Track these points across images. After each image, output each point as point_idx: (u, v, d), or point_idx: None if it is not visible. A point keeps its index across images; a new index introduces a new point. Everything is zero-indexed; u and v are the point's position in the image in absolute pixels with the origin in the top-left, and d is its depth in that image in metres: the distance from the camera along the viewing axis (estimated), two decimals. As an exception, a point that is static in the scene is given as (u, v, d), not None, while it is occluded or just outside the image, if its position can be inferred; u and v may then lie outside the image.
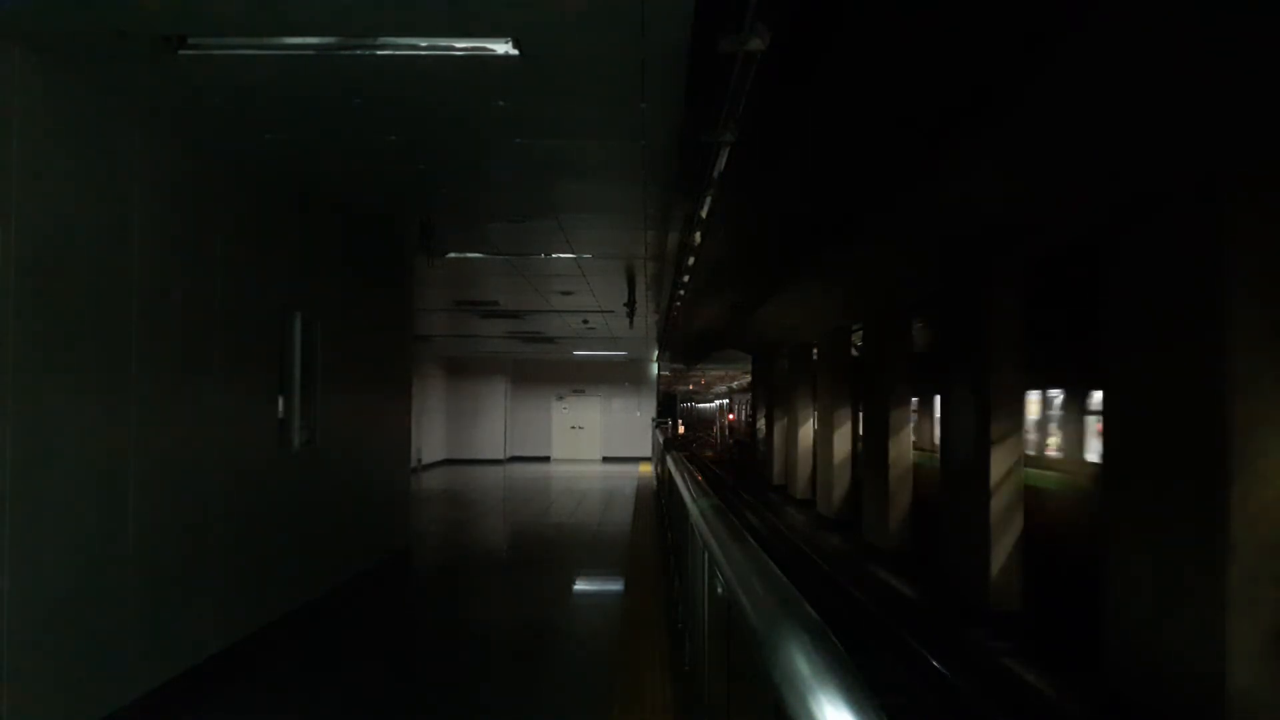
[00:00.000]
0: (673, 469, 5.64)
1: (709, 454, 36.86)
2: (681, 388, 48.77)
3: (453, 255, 8.03)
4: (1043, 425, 10.22)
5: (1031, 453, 9.93)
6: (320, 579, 6.42)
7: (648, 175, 5.37)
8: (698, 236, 7.38)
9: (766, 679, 1.09)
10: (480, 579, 7.80)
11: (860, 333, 14.79)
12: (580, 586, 7.25)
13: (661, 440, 11.98)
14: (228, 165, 4.95)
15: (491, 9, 3.09)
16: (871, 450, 12.90)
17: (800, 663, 1.01)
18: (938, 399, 11.04)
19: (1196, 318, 5.18)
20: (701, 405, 51.51)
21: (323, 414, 6.34)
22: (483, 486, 16.19)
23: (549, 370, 22.19)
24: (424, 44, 3.34)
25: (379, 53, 3.40)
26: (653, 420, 21.73)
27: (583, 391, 22.41)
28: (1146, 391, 5.69)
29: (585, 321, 13.78)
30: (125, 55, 3.42)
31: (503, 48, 3.34)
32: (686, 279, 10.03)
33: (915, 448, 12.52)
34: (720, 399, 42.67)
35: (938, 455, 10.45)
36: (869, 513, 12.98)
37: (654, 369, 22.86)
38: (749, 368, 26.17)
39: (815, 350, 17.15)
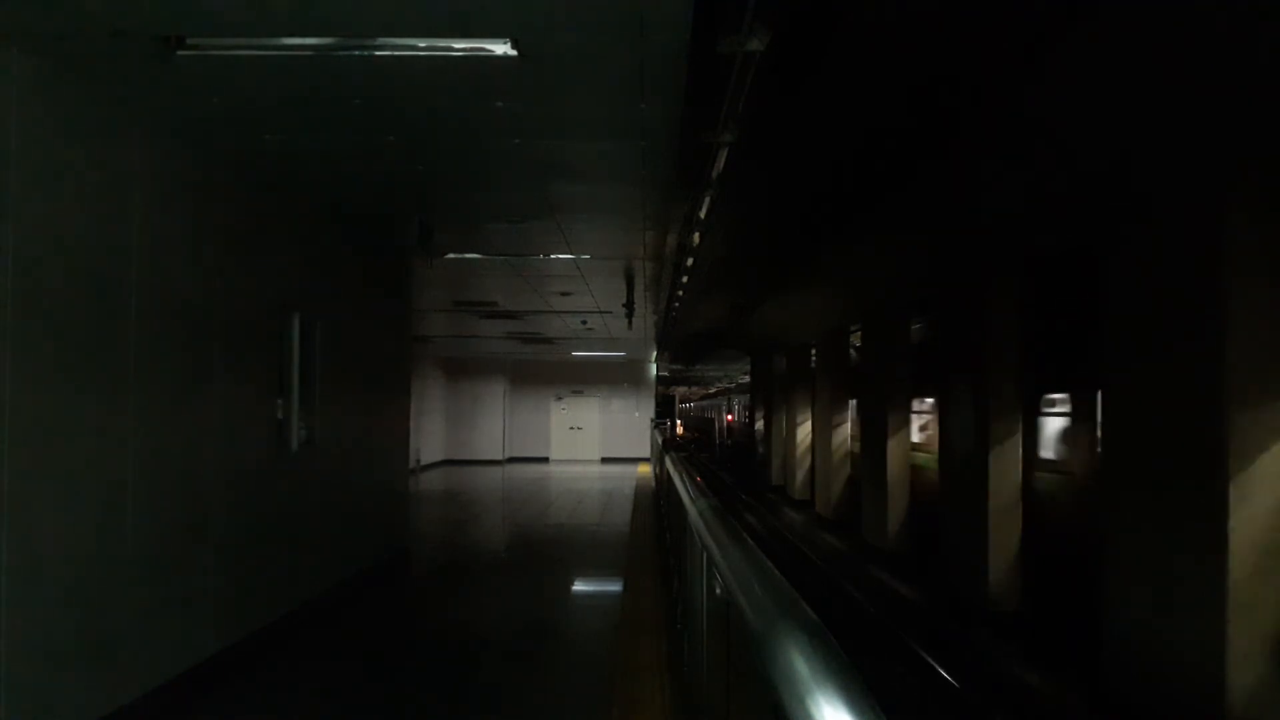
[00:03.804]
0: (671, 470, 5.64)
1: (707, 454, 36.84)
2: (680, 388, 48.76)
3: (451, 256, 8.03)
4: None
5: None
6: (320, 579, 6.41)
7: (647, 176, 5.37)
8: (696, 237, 7.39)
9: (765, 680, 1.09)
10: (479, 579, 7.79)
11: (859, 333, 14.79)
12: (579, 587, 7.26)
13: (660, 441, 11.98)
14: (226, 165, 4.95)
15: (490, 10, 3.09)
16: (870, 451, 12.90)
17: (799, 663, 1.01)
18: (937, 399, 11.05)
19: (1195, 319, 5.19)
20: (700, 405, 51.51)
21: (322, 414, 6.34)
22: (482, 487, 16.18)
23: (548, 371, 22.18)
24: (423, 45, 3.34)
25: (377, 53, 3.40)
26: (651, 421, 21.73)
27: (581, 392, 22.41)
28: (1145, 392, 5.70)
29: (584, 322, 13.78)
30: (123, 56, 3.42)
31: (501, 48, 3.34)
32: (685, 279, 10.04)
33: (914, 448, 12.52)
34: (719, 399, 42.67)
35: (936, 456, 10.45)
36: (868, 513, 12.97)
37: (652, 369, 22.86)
38: (748, 368, 26.17)
39: (814, 350, 17.14)
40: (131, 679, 4.08)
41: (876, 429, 12.58)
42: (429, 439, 19.73)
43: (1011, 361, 8.60)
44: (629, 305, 10.99)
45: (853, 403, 15.21)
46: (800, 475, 18.27)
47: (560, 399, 22.42)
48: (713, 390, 45.89)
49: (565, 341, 17.11)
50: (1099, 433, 7.51)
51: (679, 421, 49.23)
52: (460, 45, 3.34)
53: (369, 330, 7.63)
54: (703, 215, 6.41)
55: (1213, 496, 4.98)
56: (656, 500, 12.13)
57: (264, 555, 5.48)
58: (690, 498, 3.31)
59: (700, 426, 48.79)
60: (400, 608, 6.72)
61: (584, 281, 9.70)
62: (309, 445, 6.20)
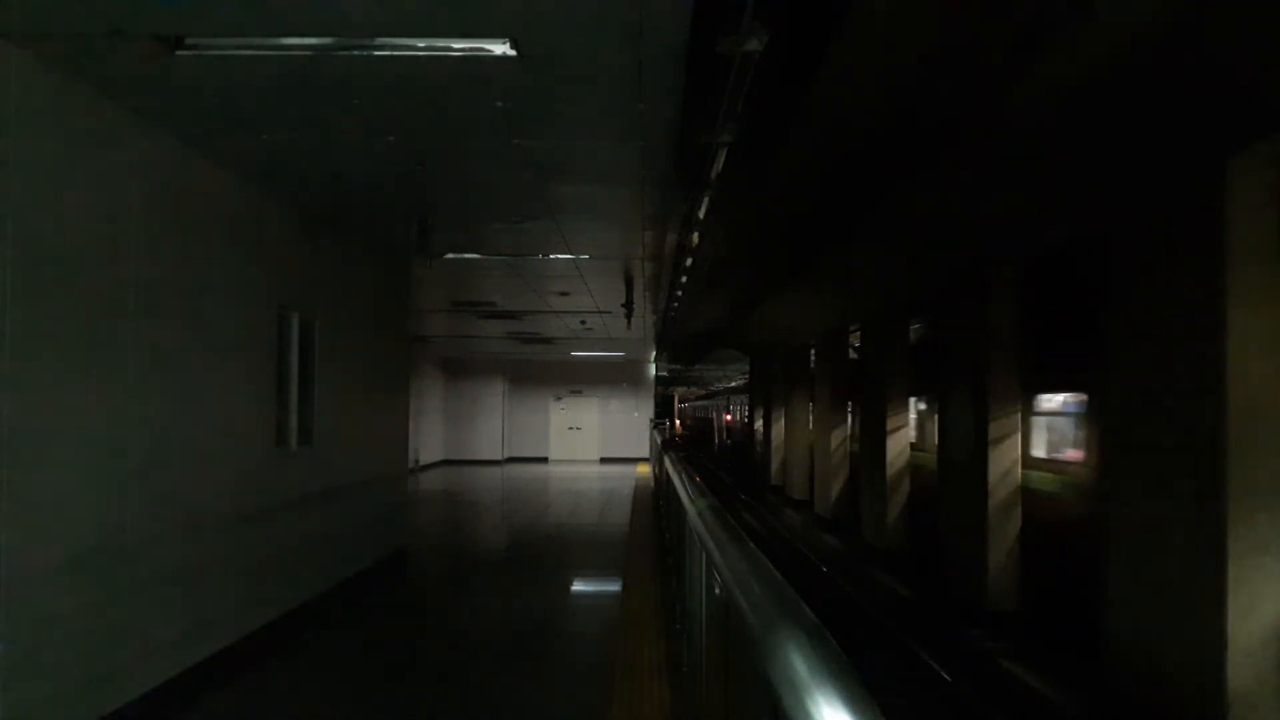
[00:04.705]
0: (670, 470, 5.64)
1: (706, 454, 36.84)
2: (680, 389, 48.74)
3: (450, 256, 8.02)
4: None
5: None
6: (318, 578, 6.41)
7: (645, 176, 5.37)
8: (695, 237, 7.38)
9: (764, 679, 1.09)
10: (478, 579, 7.79)
11: (858, 333, 14.79)
12: (578, 587, 7.25)
13: (660, 441, 11.98)
14: (225, 165, 4.95)
15: (489, 10, 3.09)
16: (869, 451, 12.90)
17: (798, 663, 1.01)
18: (936, 400, 11.06)
19: (1195, 317, 5.19)
20: (699, 405, 51.51)
21: (320, 414, 6.34)
22: (481, 487, 16.18)
23: (547, 371, 22.18)
24: (421, 45, 3.34)
25: (376, 53, 3.39)
26: (650, 421, 21.73)
27: (580, 392, 22.41)
28: (1145, 391, 5.70)
29: (583, 322, 13.78)
30: (123, 55, 3.42)
31: (500, 48, 3.34)
32: (684, 280, 10.03)
33: (913, 448, 12.53)
34: (718, 400, 42.67)
35: (935, 456, 10.46)
36: (866, 513, 12.98)
37: (652, 370, 22.86)
38: (747, 368, 26.17)
39: (813, 351, 17.15)
40: (129, 678, 4.08)
41: (875, 429, 12.59)
42: (428, 439, 19.72)
43: (1010, 361, 8.61)
44: (628, 305, 10.99)
45: (852, 403, 15.21)
46: (799, 475, 18.28)
47: (559, 399, 22.41)
48: (712, 390, 45.87)
49: (564, 341, 17.11)
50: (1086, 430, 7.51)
51: (678, 421, 49.21)
52: (459, 45, 3.34)
53: (368, 330, 7.63)
54: (702, 215, 6.40)
55: (1212, 494, 4.98)
56: (655, 500, 12.13)
57: (262, 554, 5.48)
58: (689, 497, 3.31)
59: (699, 427, 48.78)
60: (399, 609, 6.72)
61: (583, 282, 9.70)
62: (307, 445, 6.19)
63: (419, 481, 16.53)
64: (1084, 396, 7.93)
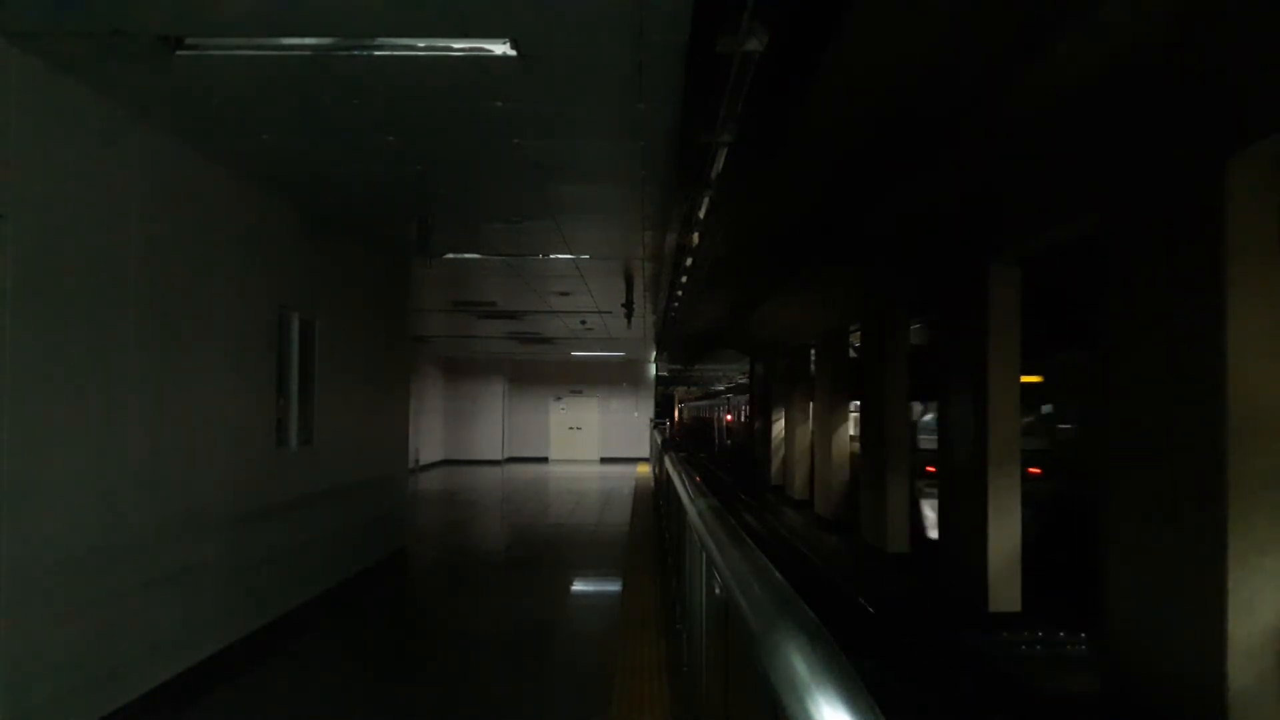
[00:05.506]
0: (671, 470, 5.64)
1: (706, 454, 36.84)
2: (680, 388, 48.74)
3: (450, 256, 8.03)
4: None
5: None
6: (319, 578, 6.41)
7: (646, 176, 5.37)
8: (695, 237, 7.38)
9: (764, 679, 1.09)
10: (478, 579, 7.79)
11: (858, 333, 14.79)
12: (578, 587, 7.25)
13: (660, 441, 11.98)
14: (225, 165, 4.95)
15: (490, 10, 3.09)
16: (869, 450, 12.90)
17: (797, 663, 1.01)
18: (937, 399, 11.05)
19: (1195, 317, 5.19)
20: (700, 405, 51.52)
21: (320, 414, 6.34)
22: (481, 487, 16.18)
23: (547, 371, 22.19)
24: (422, 45, 3.34)
25: (377, 53, 3.40)
26: (651, 421, 21.73)
27: (581, 392, 22.41)
28: (1144, 390, 5.70)
29: (583, 322, 13.78)
30: (123, 55, 3.42)
31: (501, 48, 3.34)
32: (684, 280, 10.04)
33: (913, 448, 12.53)
34: (718, 400, 42.67)
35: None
36: (867, 513, 12.98)
37: (652, 370, 22.86)
38: (747, 368, 26.16)
39: (813, 351, 17.15)
40: (128, 679, 4.08)
41: (875, 429, 12.59)
42: (428, 439, 19.72)
43: (1011, 361, 8.59)
44: (628, 305, 10.99)
45: (852, 403, 15.22)
46: (799, 475, 18.28)
47: (559, 399, 22.41)
48: (712, 390, 45.87)
49: (564, 341, 17.11)
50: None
51: (678, 421, 49.22)
52: (460, 45, 3.34)
53: (368, 330, 7.63)
54: (702, 215, 6.41)
55: (1213, 492, 4.98)
56: (655, 500, 12.13)
57: (262, 554, 5.48)
58: (689, 497, 3.31)
59: (699, 426, 48.76)
60: (400, 609, 6.72)
61: (583, 281, 9.70)
62: (307, 444, 6.20)
63: (419, 481, 16.53)
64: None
